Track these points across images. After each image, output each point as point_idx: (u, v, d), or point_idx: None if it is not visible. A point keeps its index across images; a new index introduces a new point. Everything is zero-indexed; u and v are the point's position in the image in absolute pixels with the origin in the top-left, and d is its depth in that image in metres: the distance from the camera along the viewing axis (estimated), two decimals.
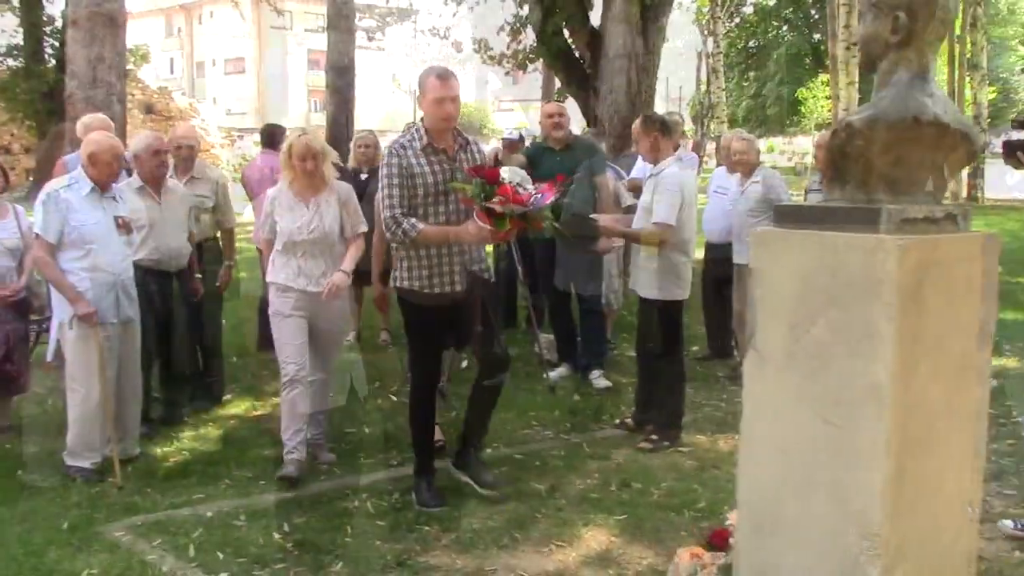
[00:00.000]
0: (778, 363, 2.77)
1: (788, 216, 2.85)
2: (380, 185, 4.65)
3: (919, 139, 2.69)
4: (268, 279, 5.29)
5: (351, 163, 8.53)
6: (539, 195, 4.53)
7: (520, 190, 4.46)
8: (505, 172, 4.58)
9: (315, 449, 5.45)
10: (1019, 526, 4.55)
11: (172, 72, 66.48)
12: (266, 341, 8.13)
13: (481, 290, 4.83)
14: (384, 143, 7.74)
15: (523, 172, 4.78)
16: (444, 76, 4.61)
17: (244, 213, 9.90)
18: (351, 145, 8.78)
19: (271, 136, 8.28)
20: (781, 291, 2.76)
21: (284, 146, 5.19)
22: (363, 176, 8.17)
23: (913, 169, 2.74)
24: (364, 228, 5.40)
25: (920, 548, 2.75)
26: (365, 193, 7.20)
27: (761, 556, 2.84)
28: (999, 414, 6.37)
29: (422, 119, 4.76)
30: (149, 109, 27.99)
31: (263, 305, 8.15)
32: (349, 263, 5.33)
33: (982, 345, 2.83)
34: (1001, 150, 4.62)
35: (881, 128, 2.66)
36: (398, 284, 4.81)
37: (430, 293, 4.71)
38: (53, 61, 22.70)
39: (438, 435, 5.36)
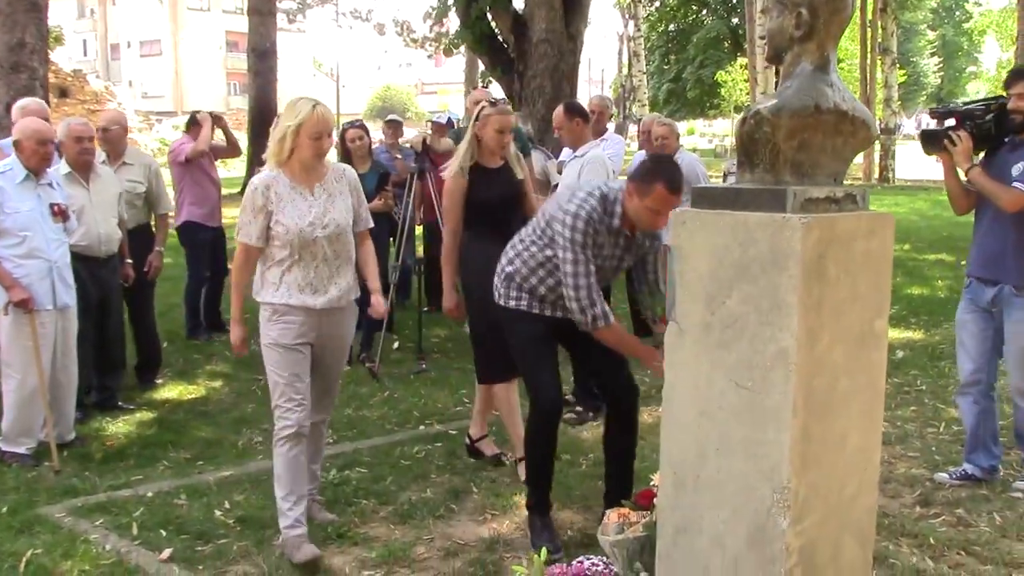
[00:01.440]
0: (696, 334, 2.99)
1: (704, 198, 3.06)
2: (567, 251, 3.93)
3: (820, 125, 2.93)
4: (261, 298, 4.09)
5: (336, 157, 8.46)
6: None
7: None
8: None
9: (310, 506, 4.37)
10: (955, 476, 4.94)
11: (85, 54, 64.75)
12: (195, 330, 8.22)
13: None
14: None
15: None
16: (676, 189, 3.83)
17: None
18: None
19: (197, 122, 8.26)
20: (698, 267, 2.98)
21: (288, 120, 3.97)
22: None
23: (816, 153, 2.97)
24: (371, 223, 4.47)
25: (826, 501, 3.00)
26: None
27: (683, 512, 3.07)
28: (903, 382, 6.77)
29: (621, 192, 4.00)
30: (63, 93, 27.29)
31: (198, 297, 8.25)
32: (375, 278, 4.42)
33: (878, 313, 3.09)
34: (919, 140, 4.94)
35: (786, 116, 2.88)
36: (504, 303, 4.26)
37: (542, 315, 4.21)
38: None
39: (492, 448, 5.33)
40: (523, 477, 4.82)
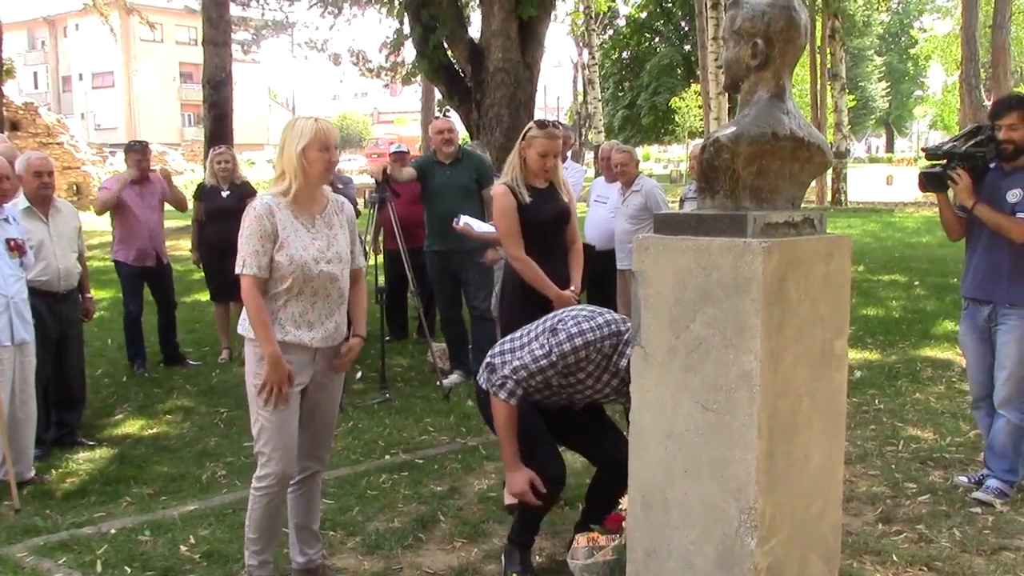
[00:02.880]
0: (661, 357, 3.04)
1: (667, 224, 3.12)
2: (548, 349, 3.71)
3: (778, 152, 3.01)
4: (252, 335, 3.77)
5: (209, 179, 8.56)
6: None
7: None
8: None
9: (321, 572, 4.13)
10: (972, 480, 5.13)
11: (36, 87, 64.08)
12: (131, 359, 8.20)
13: None
14: (262, 157, 7.85)
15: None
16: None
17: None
18: (208, 161, 8.73)
19: None
20: (662, 292, 3.03)
21: (293, 143, 3.70)
22: (224, 193, 8.37)
23: (774, 179, 3.06)
24: (363, 263, 4.15)
25: (791, 520, 3.05)
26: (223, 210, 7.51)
27: (652, 534, 3.10)
28: (862, 402, 6.87)
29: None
30: (14, 126, 26.92)
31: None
32: (363, 325, 4.10)
33: (838, 334, 3.17)
34: (920, 179, 5.18)
35: (744, 143, 2.96)
36: (486, 387, 3.96)
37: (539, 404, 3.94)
38: None
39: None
40: (505, 502, 4.78)
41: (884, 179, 38.36)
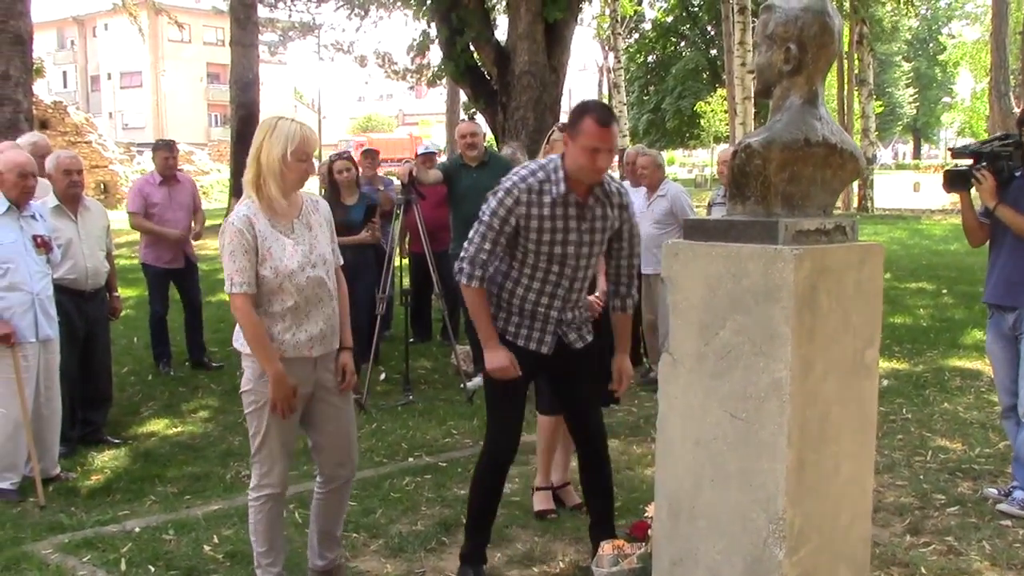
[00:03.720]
0: (690, 364, 3.01)
1: (696, 230, 3.10)
2: (482, 214, 3.80)
3: (810, 158, 2.98)
4: (248, 351, 3.67)
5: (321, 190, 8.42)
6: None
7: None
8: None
9: (338, 573, 4.09)
10: (1002, 492, 5.04)
11: (65, 86, 64.67)
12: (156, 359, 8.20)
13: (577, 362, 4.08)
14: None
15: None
16: (605, 121, 3.67)
17: None
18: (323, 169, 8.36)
19: None
20: (691, 298, 3.00)
21: (277, 145, 3.55)
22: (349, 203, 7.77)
23: (806, 185, 3.02)
24: (341, 260, 3.97)
25: (820, 531, 3.01)
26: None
27: (679, 543, 3.07)
28: (889, 411, 6.80)
29: (562, 157, 3.81)
30: (44, 125, 27.17)
31: None
32: (348, 332, 3.91)
33: (869, 343, 3.12)
34: (944, 178, 5.13)
35: (776, 149, 2.93)
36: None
37: (514, 344, 3.94)
38: None
39: (544, 504, 4.86)
40: (536, 507, 4.81)
41: (911, 186, 38.11)
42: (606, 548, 3.56)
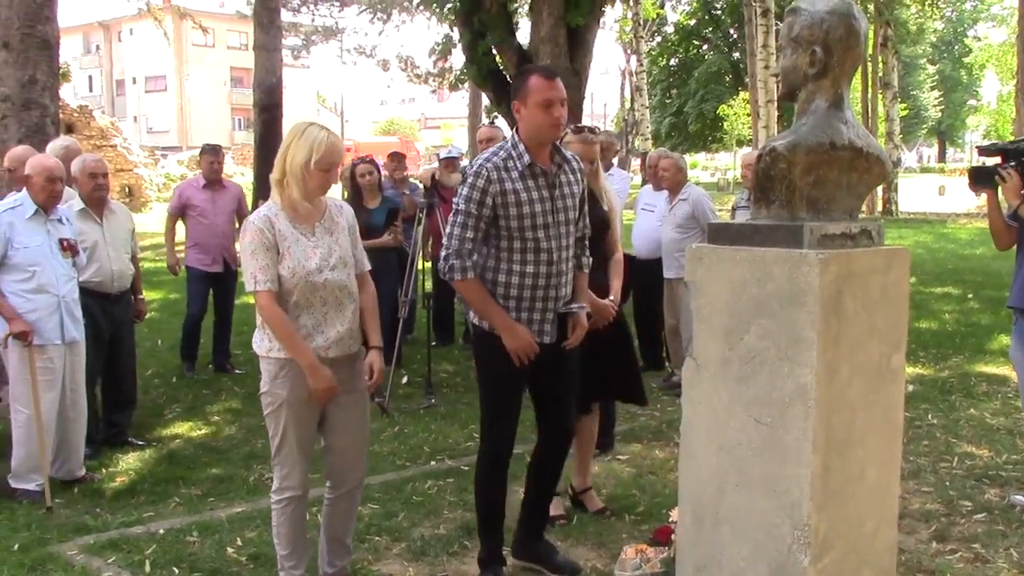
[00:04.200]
0: (714, 369, 3.00)
1: (721, 234, 3.08)
2: (457, 203, 3.83)
3: (835, 162, 2.96)
4: (265, 353, 3.71)
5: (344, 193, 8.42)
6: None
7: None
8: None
9: None
10: None
11: (91, 90, 65.23)
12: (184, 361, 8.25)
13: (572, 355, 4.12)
14: None
15: None
16: (549, 74, 3.80)
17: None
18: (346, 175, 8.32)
19: None
20: (716, 303, 2.99)
21: (302, 152, 3.60)
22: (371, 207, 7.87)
23: (831, 189, 3.00)
24: (368, 265, 3.99)
25: (846, 537, 2.99)
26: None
27: (703, 548, 3.06)
28: (915, 417, 6.74)
29: (516, 131, 3.88)
30: (69, 129, 27.43)
31: None
32: (377, 332, 3.91)
33: (895, 348, 3.10)
34: (968, 176, 5.07)
35: (802, 152, 2.91)
36: (476, 321, 4.01)
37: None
38: None
39: (557, 508, 4.74)
40: (552, 512, 4.68)
41: (936, 189, 37.79)
42: (629, 552, 3.55)
